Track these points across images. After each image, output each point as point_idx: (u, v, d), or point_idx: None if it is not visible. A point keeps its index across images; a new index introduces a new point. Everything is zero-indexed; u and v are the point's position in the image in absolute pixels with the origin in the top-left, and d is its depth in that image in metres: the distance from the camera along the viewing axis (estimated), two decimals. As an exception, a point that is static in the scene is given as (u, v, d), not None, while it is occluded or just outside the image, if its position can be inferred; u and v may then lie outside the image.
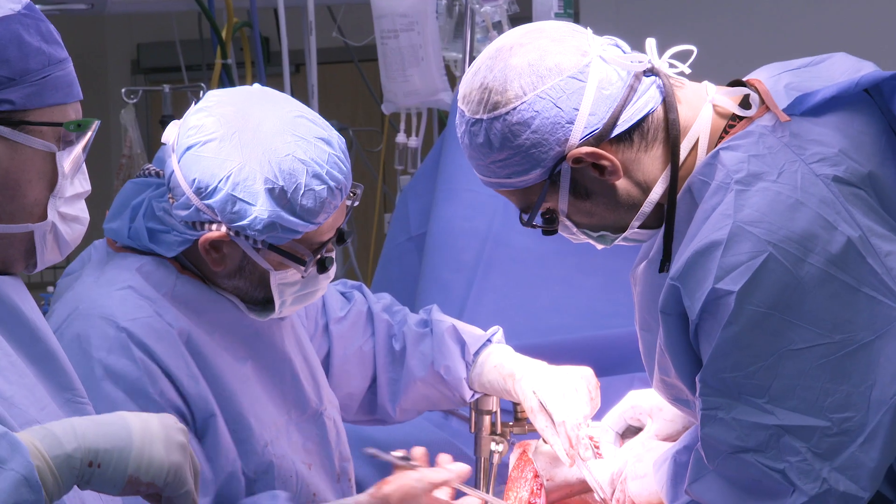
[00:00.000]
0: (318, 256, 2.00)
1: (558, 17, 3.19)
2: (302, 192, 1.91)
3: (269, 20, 4.13)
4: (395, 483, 2.09)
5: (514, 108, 1.72)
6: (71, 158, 1.59)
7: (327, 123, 1.99)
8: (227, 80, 3.88)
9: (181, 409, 1.95)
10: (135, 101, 3.87)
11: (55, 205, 1.59)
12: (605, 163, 1.72)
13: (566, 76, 1.72)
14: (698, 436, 1.88)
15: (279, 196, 1.90)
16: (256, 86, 2.03)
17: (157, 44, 6.69)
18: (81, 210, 1.64)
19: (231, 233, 1.93)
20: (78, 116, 1.60)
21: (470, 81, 1.77)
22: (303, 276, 2.00)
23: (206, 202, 1.91)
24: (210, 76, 4.13)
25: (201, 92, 4.04)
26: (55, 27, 1.60)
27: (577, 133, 1.72)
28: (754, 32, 4.54)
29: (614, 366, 2.55)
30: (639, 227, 1.80)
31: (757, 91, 1.75)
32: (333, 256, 2.04)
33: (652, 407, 2.10)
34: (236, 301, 2.05)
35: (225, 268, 1.99)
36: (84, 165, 1.64)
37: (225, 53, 3.85)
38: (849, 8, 4.50)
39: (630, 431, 2.16)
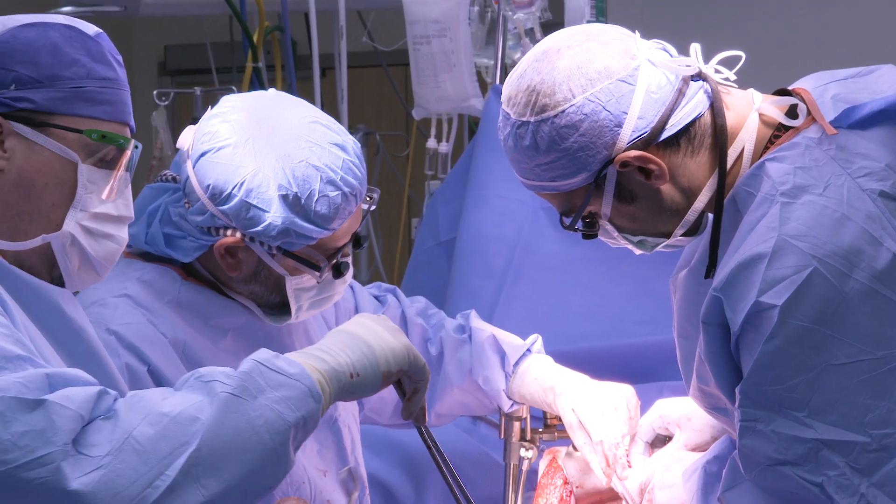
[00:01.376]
0: (334, 262, 2.00)
1: (590, 23, 3.19)
2: (316, 198, 1.91)
3: (298, 24, 4.14)
4: None
5: (563, 111, 1.71)
6: (100, 175, 1.61)
7: (342, 128, 1.99)
8: (257, 83, 3.89)
9: None
10: (166, 102, 3.88)
11: (76, 217, 1.60)
12: (653, 167, 1.72)
13: (615, 79, 1.71)
14: (730, 446, 1.89)
15: (293, 202, 1.90)
16: (272, 91, 2.04)
17: (185, 46, 6.70)
18: (116, 230, 1.66)
19: (246, 238, 1.93)
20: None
21: (516, 84, 1.76)
22: (318, 282, 2.00)
23: (220, 208, 1.92)
24: (238, 79, 4.14)
25: (220, 98, 4.05)
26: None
27: (625, 136, 1.71)
28: (784, 37, 4.51)
29: (643, 374, 2.55)
30: (681, 234, 1.79)
31: (803, 101, 1.74)
32: (349, 261, 2.04)
33: (680, 416, 2.09)
34: (252, 306, 2.04)
35: (240, 273, 1.99)
36: (127, 191, 1.66)
37: (256, 56, 3.86)
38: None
39: (658, 441, 2.16)
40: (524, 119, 1.74)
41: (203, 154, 1.92)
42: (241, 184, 1.89)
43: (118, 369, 1.87)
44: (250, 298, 2.03)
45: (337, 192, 1.92)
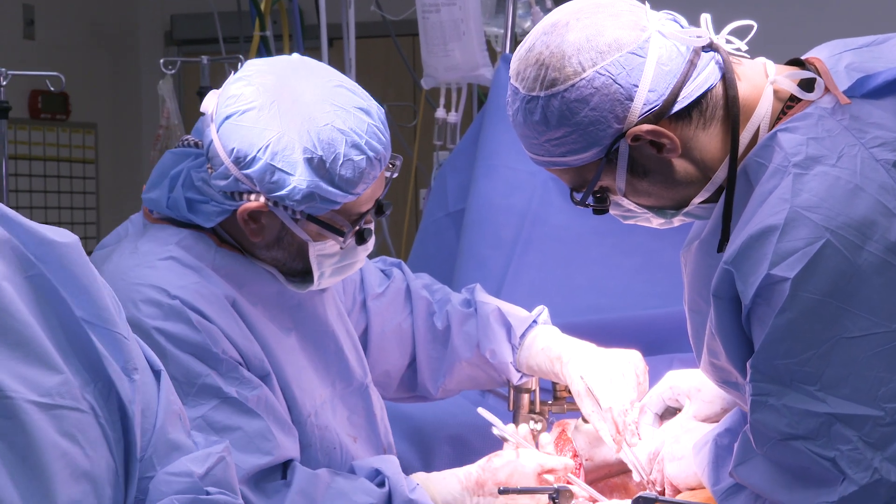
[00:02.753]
0: (357, 228, 1.99)
1: (601, -7, 3.17)
2: (341, 161, 1.89)
3: (305, -7, 4.12)
4: (505, 458, 2.10)
5: (573, 85, 1.69)
6: None
7: (367, 93, 1.97)
8: (265, 52, 3.87)
9: (244, 365, 1.95)
10: (173, 71, 3.87)
11: None
12: (665, 140, 1.69)
13: (626, 52, 1.68)
14: (741, 419, 1.88)
15: (318, 166, 1.89)
16: (296, 55, 2.02)
17: (191, 15, 6.68)
18: None
19: (270, 203, 1.92)
20: None
21: (524, 57, 1.74)
22: (341, 248, 1.99)
23: (244, 172, 1.90)
24: (246, 48, 4.12)
25: (239, 63, 4.04)
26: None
27: (637, 110, 1.68)
28: (804, 5, 4.48)
29: (653, 346, 2.54)
30: (699, 203, 1.77)
31: (816, 70, 1.72)
32: (372, 228, 2.03)
33: (690, 388, 2.09)
34: (275, 273, 2.04)
35: (263, 238, 1.98)
36: None
37: (264, 25, 3.84)
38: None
39: (668, 412, 2.15)
40: (533, 93, 1.71)
41: (227, 117, 1.91)
42: (266, 147, 1.88)
43: (192, 326, 1.90)
44: (273, 265, 2.03)
45: (362, 157, 1.91)
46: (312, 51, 4.00)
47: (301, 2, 4.03)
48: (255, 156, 1.89)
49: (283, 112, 1.89)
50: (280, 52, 4.02)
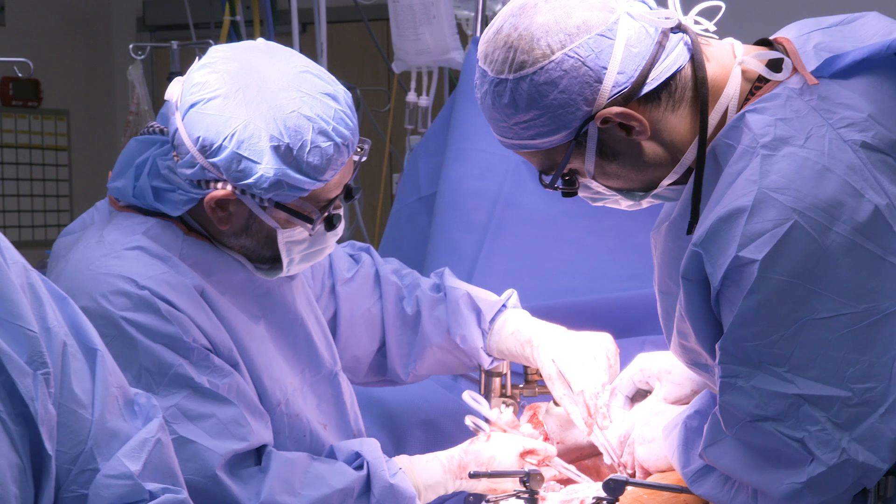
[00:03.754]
0: (326, 214, 1.97)
1: (571, -24, 3.16)
2: (308, 149, 1.88)
3: (277, -23, 4.10)
4: (487, 440, 2.11)
5: (542, 68, 1.67)
6: None
7: (333, 78, 1.95)
8: (235, 38, 3.85)
9: (214, 353, 1.94)
10: (142, 57, 3.84)
11: None
12: (634, 123, 1.69)
13: (594, 34, 1.67)
14: (710, 401, 1.88)
15: (285, 153, 1.87)
16: (261, 40, 2.00)
17: (163, 1, 6.65)
18: None
19: (237, 191, 1.90)
20: None
21: (492, 40, 1.72)
22: (310, 234, 1.98)
23: (210, 160, 1.88)
24: (216, 34, 4.10)
25: (208, 49, 4.02)
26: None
27: (606, 92, 1.68)
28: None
29: (626, 328, 2.53)
30: (669, 185, 1.77)
31: (784, 50, 1.71)
32: (341, 213, 2.01)
33: (661, 370, 2.09)
34: (243, 260, 2.02)
35: (231, 226, 1.97)
36: None
37: (234, 10, 3.82)
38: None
39: (639, 394, 2.15)
40: (502, 76, 1.70)
41: (192, 105, 1.88)
42: (232, 135, 1.86)
43: (162, 316, 1.88)
44: (241, 252, 2.02)
45: (329, 143, 1.89)
46: (284, 36, 3.99)
47: (274, -13, 4.01)
48: (221, 144, 1.87)
49: (249, 100, 1.87)
50: (251, 37, 4.00)
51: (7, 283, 1.41)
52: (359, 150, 1.98)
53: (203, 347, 1.92)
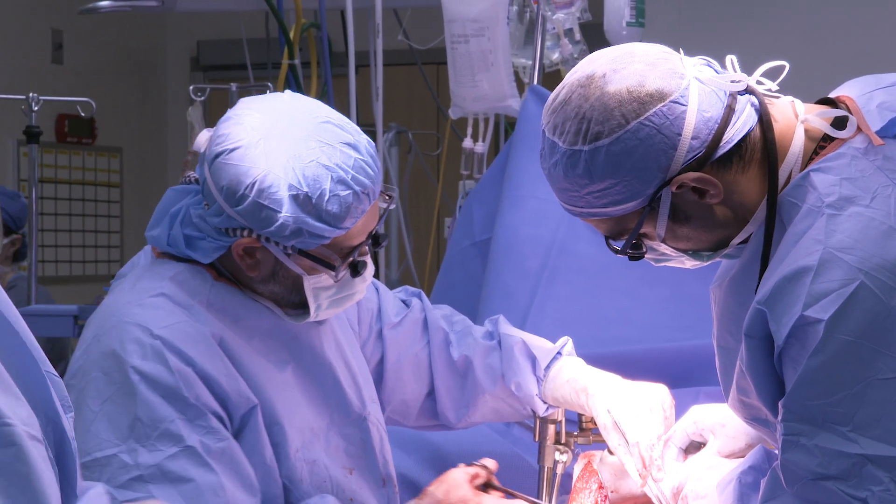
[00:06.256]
0: (350, 260, 1.99)
1: (630, 25, 3.17)
2: (327, 197, 1.90)
3: (334, 21, 4.15)
4: (438, 482, 2.15)
5: (618, 138, 1.68)
6: None
7: (356, 128, 1.98)
8: (292, 80, 3.89)
9: (217, 412, 1.94)
10: (202, 98, 3.90)
11: None
12: (710, 188, 1.69)
13: (668, 101, 1.68)
14: (764, 456, 1.88)
15: (304, 202, 1.90)
16: (287, 92, 2.03)
17: (217, 42, 6.73)
18: None
19: (261, 239, 1.94)
20: None
21: (561, 111, 1.73)
22: (335, 281, 2.00)
23: (235, 209, 1.92)
24: (274, 75, 4.15)
25: (267, 91, 4.07)
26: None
27: (680, 158, 1.68)
28: (828, 40, 4.46)
29: (679, 379, 2.53)
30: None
31: (848, 109, 1.72)
32: (367, 260, 2.03)
33: (714, 423, 2.08)
34: (273, 306, 2.05)
35: (259, 273, 2.00)
36: None
37: (292, 53, 3.87)
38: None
39: (693, 446, 2.15)
40: (576, 147, 1.71)
41: (217, 155, 1.93)
42: (253, 184, 1.89)
43: (168, 369, 1.90)
44: (271, 298, 2.04)
45: (348, 192, 1.92)
46: (340, 78, 4.05)
47: (329, 30, 4.06)
48: (244, 193, 1.90)
49: (270, 150, 1.90)
50: (308, 79, 4.04)
51: (26, 331, 1.40)
52: (386, 197, 2.01)
53: (204, 406, 1.93)
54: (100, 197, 6.83)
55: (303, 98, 2.01)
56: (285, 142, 1.91)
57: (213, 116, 6.48)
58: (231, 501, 1.91)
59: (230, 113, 1.97)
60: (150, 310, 1.95)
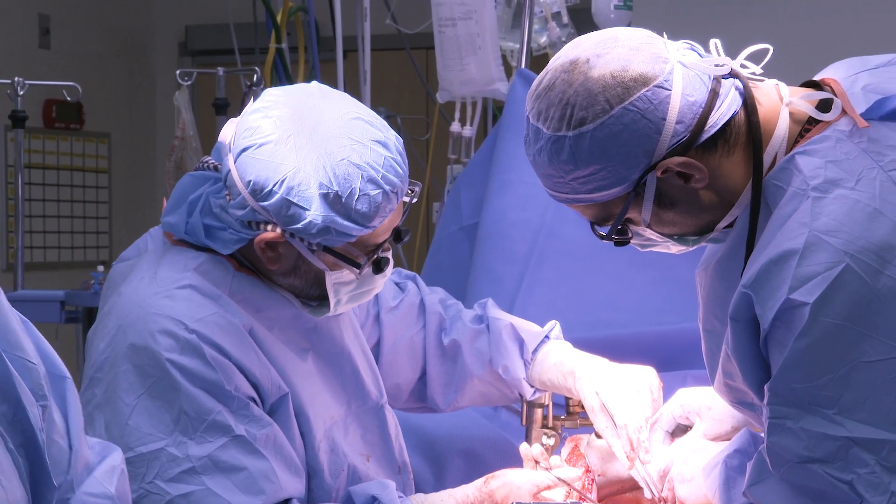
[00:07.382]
0: (374, 257, 1.99)
1: (618, 9, 3.18)
2: (357, 196, 1.88)
3: (321, 5, 4.13)
4: (501, 479, 2.11)
5: (602, 123, 1.68)
6: None
7: (385, 124, 1.96)
8: (280, 64, 3.88)
9: (256, 400, 1.96)
10: (189, 83, 3.88)
11: None
12: (695, 172, 1.69)
13: (652, 86, 1.67)
14: (750, 439, 1.88)
15: (333, 201, 1.88)
16: (315, 83, 2.01)
17: (205, 26, 6.71)
18: None
19: (286, 234, 1.92)
20: None
21: (545, 97, 1.72)
22: (357, 277, 1.99)
23: (261, 204, 1.90)
24: (261, 59, 4.14)
25: (254, 76, 4.06)
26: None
27: (665, 143, 1.68)
28: (817, 24, 4.45)
29: (667, 362, 2.53)
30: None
31: (833, 92, 1.71)
32: (389, 257, 2.02)
33: (700, 406, 2.08)
34: (292, 298, 2.04)
35: (280, 266, 1.98)
36: None
37: (280, 38, 3.86)
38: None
39: (679, 429, 2.15)
40: (560, 133, 1.70)
41: (244, 149, 1.90)
42: (282, 181, 1.88)
43: (207, 363, 1.90)
44: (290, 291, 2.03)
45: (378, 191, 1.90)
46: (327, 62, 4.04)
47: (317, 14, 4.05)
48: (272, 189, 1.88)
49: (300, 146, 1.89)
50: (295, 63, 4.03)
51: (6, 314, 1.41)
52: (409, 191, 1.99)
53: (244, 395, 1.94)
54: (87, 183, 6.81)
55: (330, 90, 1.99)
56: (316, 138, 1.89)
57: (200, 101, 6.46)
58: (282, 485, 1.93)
59: (257, 104, 1.94)
60: (182, 302, 1.93)
